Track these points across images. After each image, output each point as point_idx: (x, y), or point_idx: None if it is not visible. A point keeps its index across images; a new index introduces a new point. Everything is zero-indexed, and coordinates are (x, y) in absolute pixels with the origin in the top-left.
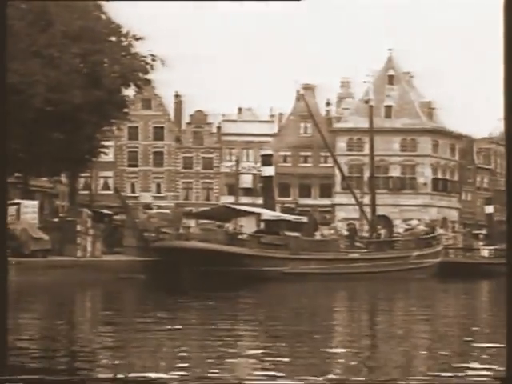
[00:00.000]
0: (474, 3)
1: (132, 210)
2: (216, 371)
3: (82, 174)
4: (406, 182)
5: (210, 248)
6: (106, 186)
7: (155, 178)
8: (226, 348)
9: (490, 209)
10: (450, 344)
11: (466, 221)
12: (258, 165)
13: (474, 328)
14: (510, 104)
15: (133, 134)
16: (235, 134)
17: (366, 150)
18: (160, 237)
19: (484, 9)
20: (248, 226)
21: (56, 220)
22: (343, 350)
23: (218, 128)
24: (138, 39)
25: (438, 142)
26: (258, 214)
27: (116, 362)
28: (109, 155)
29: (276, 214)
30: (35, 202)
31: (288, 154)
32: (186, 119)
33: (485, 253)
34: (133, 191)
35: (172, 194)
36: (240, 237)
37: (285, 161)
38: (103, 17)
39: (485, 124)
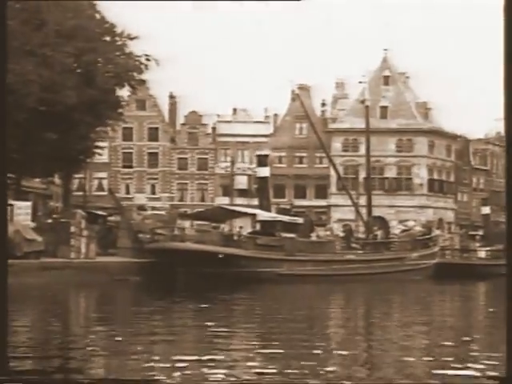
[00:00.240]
0: (470, 3)
1: (126, 211)
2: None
3: (76, 175)
4: (401, 183)
5: (205, 249)
6: (100, 187)
7: (150, 178)
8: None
9: (486, 210)
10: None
11: (462, 222)
12: (253, 166)
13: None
14: (510, 104)
15: (127, 135)
16: (230, 134)
17: (362, 151)
18: (155, 238)
19: (480, 10)
20: (243, 227)
21: (49, 221)
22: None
23: (213, 129)
24: (132, 39)
25: (434, 142)
26: (254, 215)
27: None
28: (103, 156)
29: (271, 215)
30: (28, 203)
31: (283, 154)
32: (180, 120)
33: (482, 254)
34: (127, 192)
35: (167, 195)
36: (235, 238)
37: (280, 162)
38: (97, 16)
39: (481, 125)
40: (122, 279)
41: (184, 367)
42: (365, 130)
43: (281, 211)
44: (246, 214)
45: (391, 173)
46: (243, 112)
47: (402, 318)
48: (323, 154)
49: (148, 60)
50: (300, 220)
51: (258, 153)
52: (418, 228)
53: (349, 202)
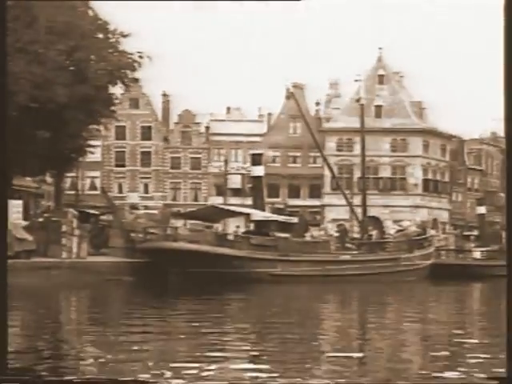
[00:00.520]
0: (465, 3)
1: (119, 210)
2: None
3: (69, 174)
4: (396, 183)
5: (198, 249)
6: (93, 186)
7: (143, 178)
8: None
9: (481, 209)
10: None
11: (457, 222)
12: (247, 165)
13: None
14: (510, 104)
15: (120, 134)
16: (224, 133)
17: (356, 151)
18: (147, 237)
19: (475, 10)
20: (239, 227)
21: (41, 220)
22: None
23: (207, 128)
24: (125, 36)
25: (429, 142)
26: (248, 215)
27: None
28: (96, 155)
29: (266, 215)
30: (19, 202)
31: (277, 154)
32: (173, 119)
33: (477, 254)
34: (120, 191)
35: (160, 194)
36: (229, 238)
37: (274, 161)
38: (90, 13)
39: (475, 125)
40: (114, 279)
41: (176, 368)
42: (359, 129)
43: (275, 211)
44: (240, 214)
45: (386, 172)
46: (237, 111)
47: (394, 325)
48: (317, 154)
49: (141, 57)
50: (295, 220)
51: (252, 152)
52: (413, 228)
53: (343, 202)
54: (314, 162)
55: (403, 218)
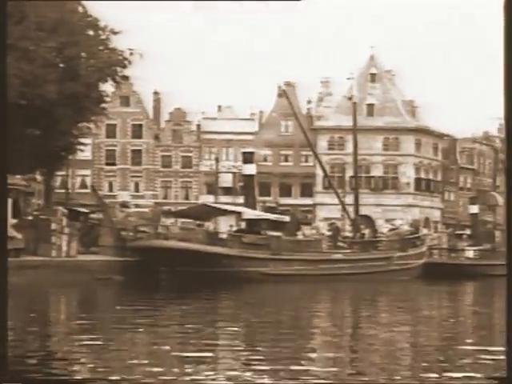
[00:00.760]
0: (459, 2)
1: (109, 208)
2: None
3: (59, 173)
4: (388, 182)
5: (189, 248)
6: (83, 185)
7: (133, 176)
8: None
9: (474, 209)
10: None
11: (449, 221)
12: (238, 163)
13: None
14: (510, 104)
15: (111, 132)
16: (215, 132)
17: (348, 149)
18: (138, 236)
19: (469, 9)
20: (228, 225)
21: (30, 218)
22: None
23: (198, 126)
24: (116, 33)
25: (421, 141)
26: (239, 213)
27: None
28: (86, 153)
29: (257, 213)
30: (8, 200)
31: (268, 152)
32: (165, 117)
33: (469, 253)
34: (111, 190)
35: (151, 192)
36: (221, 236)
37: (265, 160)
38: (80, 9)
39: (468, 124)
40: (105, 278)
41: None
42: (351, 127)
43: (267, 209)
44: (231, 212)
45: (378, 171)
46: (228, 109)
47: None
48: (309, 152)
49: (132, 54)
50: (286, 218)
51: (244, 150)
52: (406, 227)
53: (335, 201)
54: (306, 161)
55: (395, 216)
